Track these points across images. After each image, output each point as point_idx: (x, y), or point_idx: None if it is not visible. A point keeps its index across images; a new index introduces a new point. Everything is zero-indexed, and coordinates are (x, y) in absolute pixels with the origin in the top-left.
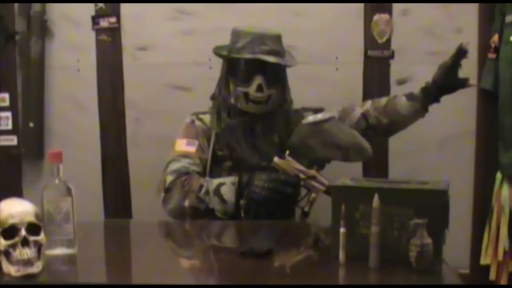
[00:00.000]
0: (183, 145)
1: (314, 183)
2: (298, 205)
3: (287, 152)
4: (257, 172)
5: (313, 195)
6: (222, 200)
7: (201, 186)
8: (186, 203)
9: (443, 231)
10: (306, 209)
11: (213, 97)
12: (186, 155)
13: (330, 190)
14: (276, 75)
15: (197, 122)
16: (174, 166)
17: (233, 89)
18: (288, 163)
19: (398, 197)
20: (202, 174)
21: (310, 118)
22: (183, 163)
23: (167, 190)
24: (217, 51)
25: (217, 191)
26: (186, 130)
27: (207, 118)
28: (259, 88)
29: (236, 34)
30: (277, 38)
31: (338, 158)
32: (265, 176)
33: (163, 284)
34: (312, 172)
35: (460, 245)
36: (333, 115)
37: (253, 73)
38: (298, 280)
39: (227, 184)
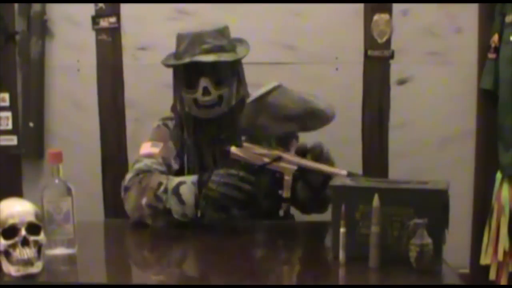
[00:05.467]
0: (147, 147)
1: (282, 164)
2: (278, 194)
3: (243, 138)
4: (216, 168)
5: (286, 177)
6: (180, 201)
7: (159, 184)
8: (144, 201)
9: (443, 231)
10: (284, 195)
11: (173, 109)
12: (149, 156)
13: (301, 167)
14: (226, 72)
15: (164, 128)
16: (136, 165)
17: (184, 97)
18: (247, 150)
19: (398, 197)
20: (166, 173)
21: (253, 94)
22: (145, 162)
23: (126, 189)
24: (163, 62)
25: (176, 190)
26: (152, 133)
27: (172, 124)
28: (205, 91)
29: (178, 39)
30: (219, 32)
31: (296, 130)
32: (222, 171)
33: (163, 284)
34: (276, 152)
35: (460, 245)
36: (277, 84)
37: (197, 77)
38: (298, 280)
39: (188, 184)
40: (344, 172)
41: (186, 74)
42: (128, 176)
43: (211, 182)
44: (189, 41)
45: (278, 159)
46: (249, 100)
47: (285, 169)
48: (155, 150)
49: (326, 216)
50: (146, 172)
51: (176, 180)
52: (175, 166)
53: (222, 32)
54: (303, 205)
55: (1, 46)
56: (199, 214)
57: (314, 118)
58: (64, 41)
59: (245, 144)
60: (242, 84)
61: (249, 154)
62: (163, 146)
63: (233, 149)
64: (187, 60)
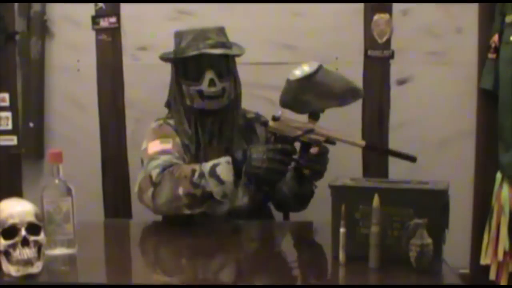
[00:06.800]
0: (157, 145)
1: (313, 136)
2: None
3: (280, 112)
4: (252, 146)
5: (316, 148)
6: (220, 181)
7: (193, 171)
8: (181, 191)
9: (443, 231)
10: (317, 168)
11: (168, 105)
12: (164, 153)
13: (330, 139)
14: (226, 68)
15: (166, 126)
16: (155, 163)
17: (186, 90)
18: (283, 123)
19: (398, 197)
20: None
21: (297, 72)
22: (164, 158)
23: (156, 184)
24: (164, 56)
25: (213, 172)
26: (155, 132)
27: (173, 122)
28: (212, 83)
29: (179, 36)
30: (220, 31)
31: (336, 106)
32: (261, 148)
33: (163, 284)
34: (310, 126)
35: (460, 245)
36: (320, 64)
37: (202, 69)
38: (298, 280)
39: (223, 164)
40: (363, 143)
41: (190, 68)
42: (155, 172)
43: (254, 160)
44: (194, 37)
45: (311, 131)
46: (293, 78)
47: (315, 141)
48: (168, 145)
49: (326, 216)
50: (171, 166)
51: (210, 163)
52: (187, 157)
53: (223, 31)
54: (285, 201)
55: (1, 46)
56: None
57: (353, 95)
58: (64, 41)
59: (282, 118)
60: (237, 83)
61: (285, 127)
62: (173, 141)
63: (271, 123)
64: (195, 52)
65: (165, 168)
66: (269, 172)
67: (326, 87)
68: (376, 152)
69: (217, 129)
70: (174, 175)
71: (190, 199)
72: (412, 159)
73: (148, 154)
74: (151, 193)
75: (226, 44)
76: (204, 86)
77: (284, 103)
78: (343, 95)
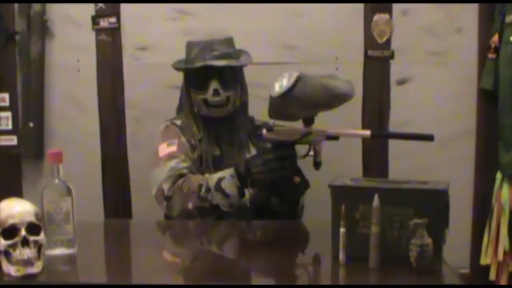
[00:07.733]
0: (164, 148)
1: (311, 137)
2: (309, 155)
3: (273, 121)
4: (251, 159)
5: (317, 147)
6: (225, 195)
7: (200, 186)
8: (190, 205)
9: (443, 231)
10: (318, 160)
11: (179, 110)
12: (170, 157)
13: (330, 136)
14: (231, 77)
15: (172, 126)
16: (164, 173)
17: (194, 98)
18: (278, 131)
19: (398, 197)
20: (193, 168)
21: (276, 87)
22: (171, 165)
23: (168, 198)
24: (175, 65)
25: (218, 187)
26: (163, 134)
27: (180, 122)
28: (215, 92)
29: (189, 46)
30: (227, 42)
31: (322, 111)
32: (259, 161)
33: (163, 284)
34: (305, 130)
35: (460, 245)
36: (298, 75)
37: (208, 79)
38: (298, 280)
39: (227, 178)
40: (368, 133)
41: (197, 77)
42: (165, 186)
43: (255, 174)
44: (201, 48)
45: (308, 134)
46: (273, 94)
47: (316, 142)
48: (173, 148)
49: (326, 216)
50: (179, 176)
51: (215, 177)
52: (193, 156)
53: (230, 41)
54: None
55: (1, 46)
56: (248, 204)
57: (338, 100)
58: (64, 41)
59: (276, 128)
60: (244, 90)
61: (281, 134)
62: (178, 142)
63: (265, 132)
64: (200, 63)
65: (175, 181)
66: (273, 181)
67: (307, 99)
68: (384, 138)
69: (224, 133)
70: (183, 191)
71: (200, 211)
72: (429, 137)
73: (158, 158)
74: (165, 206)
75: (232, 55)
76: (209, 95)
77: (272, 116)
78: (326, 102)
